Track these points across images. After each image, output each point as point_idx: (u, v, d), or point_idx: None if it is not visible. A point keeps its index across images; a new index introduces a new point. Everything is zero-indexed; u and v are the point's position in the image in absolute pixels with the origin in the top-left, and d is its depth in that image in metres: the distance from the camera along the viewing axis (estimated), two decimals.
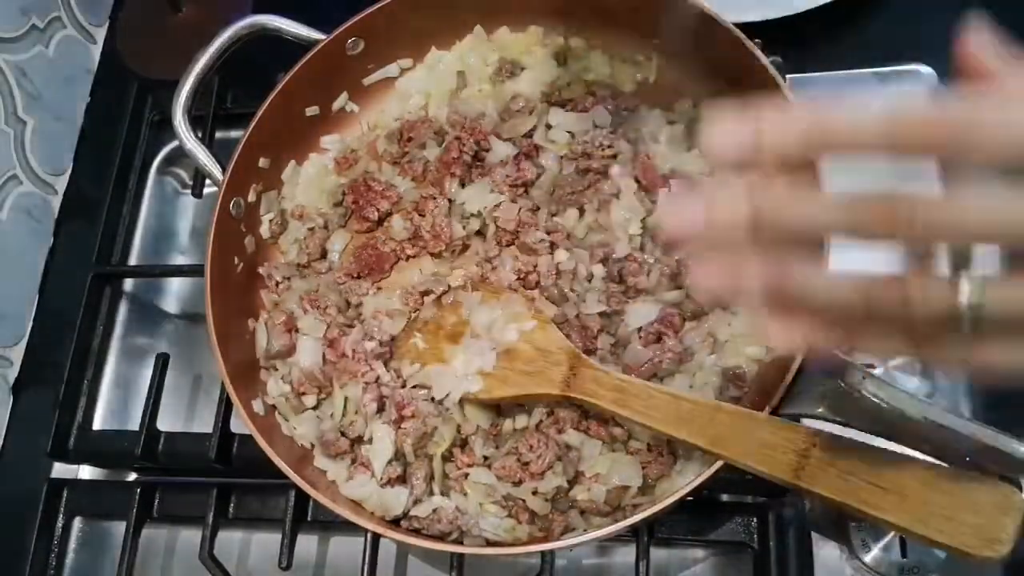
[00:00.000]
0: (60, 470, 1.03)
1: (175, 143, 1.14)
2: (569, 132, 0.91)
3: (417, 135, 0.95)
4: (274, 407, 0.86)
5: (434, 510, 0.78)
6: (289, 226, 0.96)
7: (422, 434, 0.80)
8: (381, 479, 0.79)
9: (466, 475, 0.80)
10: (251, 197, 0.93)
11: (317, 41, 0.92)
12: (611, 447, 0.79)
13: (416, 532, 0.78)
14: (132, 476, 1.02)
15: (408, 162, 0.95)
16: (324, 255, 0.95)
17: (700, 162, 0.88)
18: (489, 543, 0.77)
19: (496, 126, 0.93)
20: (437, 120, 0.97)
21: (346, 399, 0.84)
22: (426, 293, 0.88)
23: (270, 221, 0.95)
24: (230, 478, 0.93)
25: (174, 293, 1.14)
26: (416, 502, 0.79)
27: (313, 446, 0.85)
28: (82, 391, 1.02)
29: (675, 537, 0.84)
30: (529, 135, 0.92)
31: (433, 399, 0.81)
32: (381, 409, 0.83)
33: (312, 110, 0.97)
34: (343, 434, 0.83)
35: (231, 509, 0.93)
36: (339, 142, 1.00)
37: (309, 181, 0.98)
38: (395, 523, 0.79)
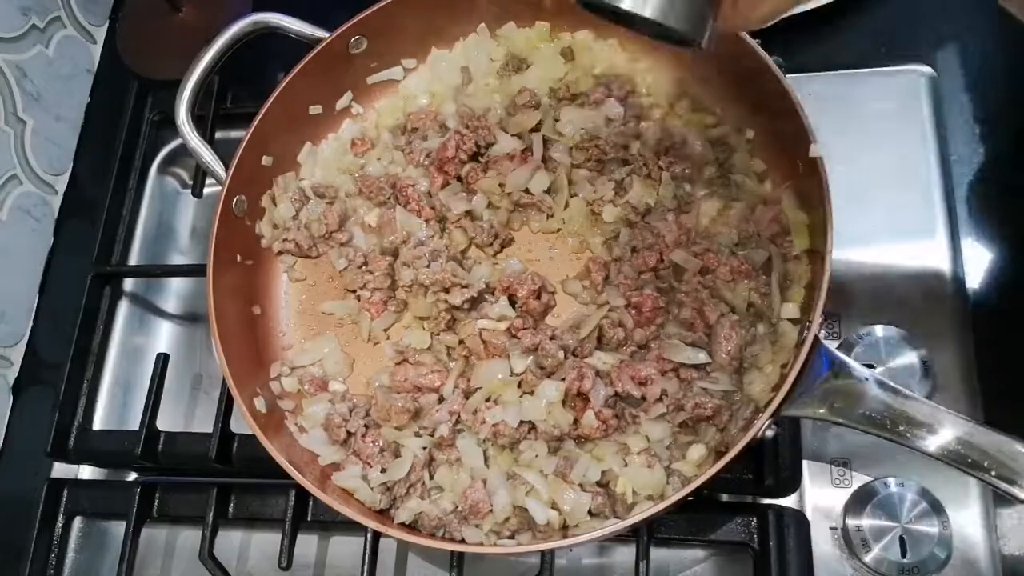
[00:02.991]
0: (60, 470, 1.03)
1: (175, 143, 1.15)
2: (582, 128, 0.91)
3: (422, 127, 0.96)
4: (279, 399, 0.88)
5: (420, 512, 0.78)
6: (309, 202, 0.96)
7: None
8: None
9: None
10: (263, 202, 0.94)
11: (320, 39, 0.92)
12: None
13: (414, 529, 0.78)
14: (132, 476, 1.02)
15: (410, 153, 0.95)
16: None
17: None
18: (495, 533, 0.77)
19: (502, 120, 0.93)
20: (443, 115, 0.97)
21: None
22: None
23: (290, 200, 0.95)
24: (230, 478, 0.93)
25: (174, 293, 1.14)
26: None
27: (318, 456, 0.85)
28: (82, 391, 1.02)
29: (675, 537, 0.83)
30: (537, 128, 0.92)
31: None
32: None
33: (316, 108, 0.97)
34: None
35: (231, 509, 0.92)
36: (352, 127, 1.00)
37: (327, 160, 0.98)
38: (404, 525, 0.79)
